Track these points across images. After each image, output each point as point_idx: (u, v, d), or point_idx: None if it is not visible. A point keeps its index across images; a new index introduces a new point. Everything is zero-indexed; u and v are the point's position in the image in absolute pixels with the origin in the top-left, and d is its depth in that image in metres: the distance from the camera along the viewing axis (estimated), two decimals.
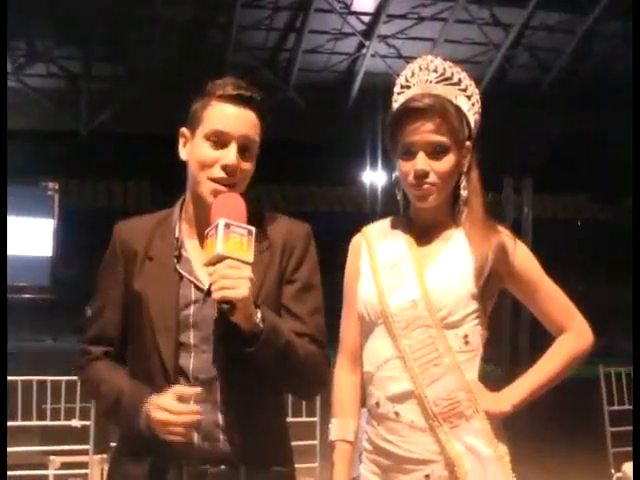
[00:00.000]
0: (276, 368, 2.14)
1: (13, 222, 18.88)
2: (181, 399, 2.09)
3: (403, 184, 2.45)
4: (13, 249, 18.53)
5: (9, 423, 4.52)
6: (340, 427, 2.50)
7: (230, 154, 2.15)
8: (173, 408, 2.07)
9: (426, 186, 2.37)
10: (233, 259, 2.00)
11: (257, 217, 2.20)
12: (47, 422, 4.68)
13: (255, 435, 2.17)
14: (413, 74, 2.49)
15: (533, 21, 18.26)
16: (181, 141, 2.24)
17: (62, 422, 4.70)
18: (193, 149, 2.19)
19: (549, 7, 17.81)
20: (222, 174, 2.15)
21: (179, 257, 2.21)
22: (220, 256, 2.00)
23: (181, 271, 2.20)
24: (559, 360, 2.46)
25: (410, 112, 2.37)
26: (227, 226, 2.01)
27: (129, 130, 19.34)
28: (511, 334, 13.87)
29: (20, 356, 11.63)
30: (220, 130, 2.16)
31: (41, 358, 11.48)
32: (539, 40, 18.78)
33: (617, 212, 21.98)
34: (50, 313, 18.59)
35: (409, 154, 2.38)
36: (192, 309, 2.18)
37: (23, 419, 4.60)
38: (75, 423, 4.69)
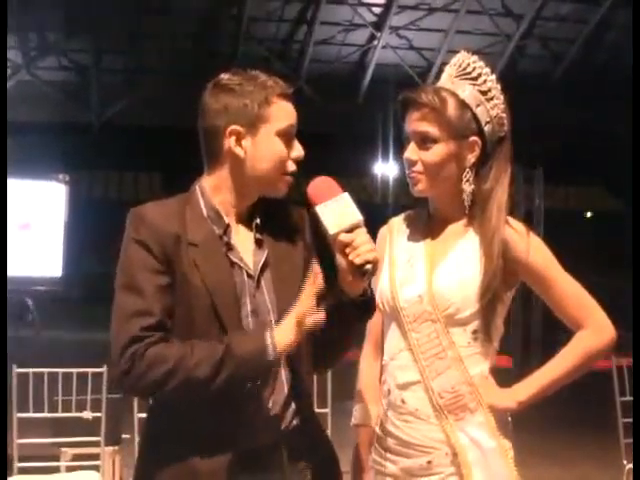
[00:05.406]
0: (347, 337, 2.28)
1: (24, 214, 18.96)
2: None
3: None
4: (25, 242, 18.63)
5: (20, 415, 4.54)
6: (362, 412, 2.58)
7: (299, 147, 2.26)
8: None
9: (413, 174, 2.43)
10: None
11: (265, 202, 2.32)
12: (58, 414, 4.69)
13: (308, 415, 2.28)
14: (445, 70, 2.54)
15: (545, 11, 18.17)
16: (231, 139, 2.21)
17: (73, 414, 4.71)
18: (264, 146, 2.22)
19: None
20: (294, 167, 2.26)
21: (229, 244, 2.21)
22: (358, 223, 2.11)
23: (232, 258, 2.20)
24: (573, 358, 2.44)
25: (405, 103, 2.47)
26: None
27: (140, 122, 19.36)
28: (523, 329, 13.81)
29: (32, 348, 11.70)
30: (291, 125, 2.24)
31: (53, 350, 11.55)
32: (551, 30, 18.70)
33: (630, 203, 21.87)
34: (62, 305, 18.65)
35: (407, 142, 2.45)
36: (248, 296, 2.19)
37: (34, 411, 4.62)
38: (86, 415, 4.70)
